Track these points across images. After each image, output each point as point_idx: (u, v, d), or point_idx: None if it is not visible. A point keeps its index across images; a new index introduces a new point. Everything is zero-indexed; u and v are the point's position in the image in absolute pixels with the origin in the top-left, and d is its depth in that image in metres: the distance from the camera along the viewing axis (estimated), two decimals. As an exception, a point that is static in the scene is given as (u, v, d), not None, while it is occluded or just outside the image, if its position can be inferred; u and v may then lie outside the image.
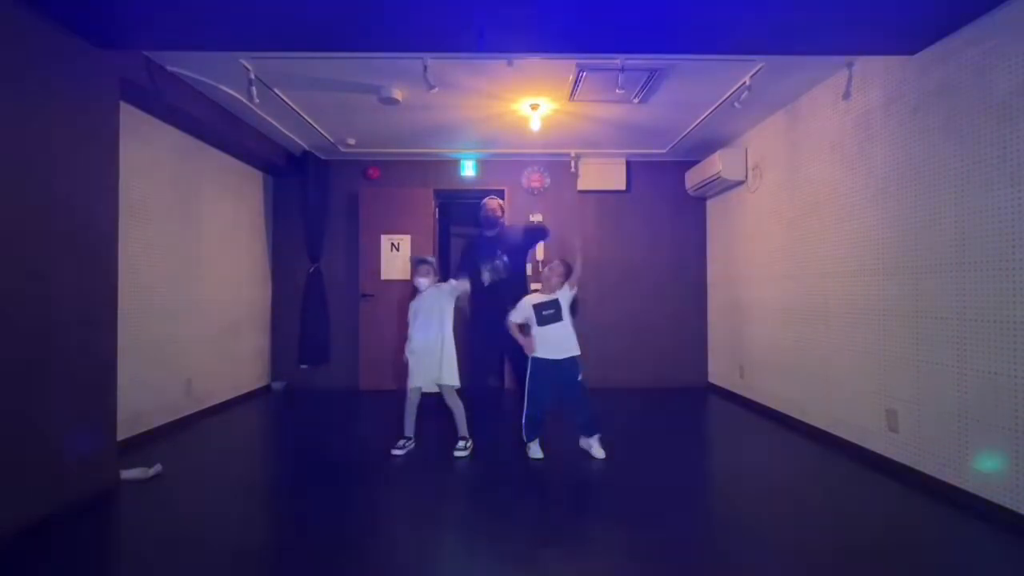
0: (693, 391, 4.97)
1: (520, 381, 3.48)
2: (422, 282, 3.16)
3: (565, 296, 3.04)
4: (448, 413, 3.11)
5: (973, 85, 2.28)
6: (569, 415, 3.09)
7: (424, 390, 3.14)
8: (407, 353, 3.13)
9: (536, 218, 5.15)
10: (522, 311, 3.06)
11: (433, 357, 3.08)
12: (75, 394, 2.37)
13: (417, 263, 3.22)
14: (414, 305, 3.19)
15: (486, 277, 3.57)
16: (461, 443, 3.04)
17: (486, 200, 3.76)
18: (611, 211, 5.20)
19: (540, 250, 5.11)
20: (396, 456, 2.99)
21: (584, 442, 3.06)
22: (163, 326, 3.49)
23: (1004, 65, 2.14)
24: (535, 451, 2.99)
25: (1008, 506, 2.11)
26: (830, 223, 3.24)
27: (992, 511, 2.16)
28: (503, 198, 5.18)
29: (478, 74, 3.20)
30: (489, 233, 3.69)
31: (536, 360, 3.00)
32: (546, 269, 3.12)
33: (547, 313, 3.00)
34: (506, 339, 3.54)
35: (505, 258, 3.60)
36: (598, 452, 2.99)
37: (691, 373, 5.18)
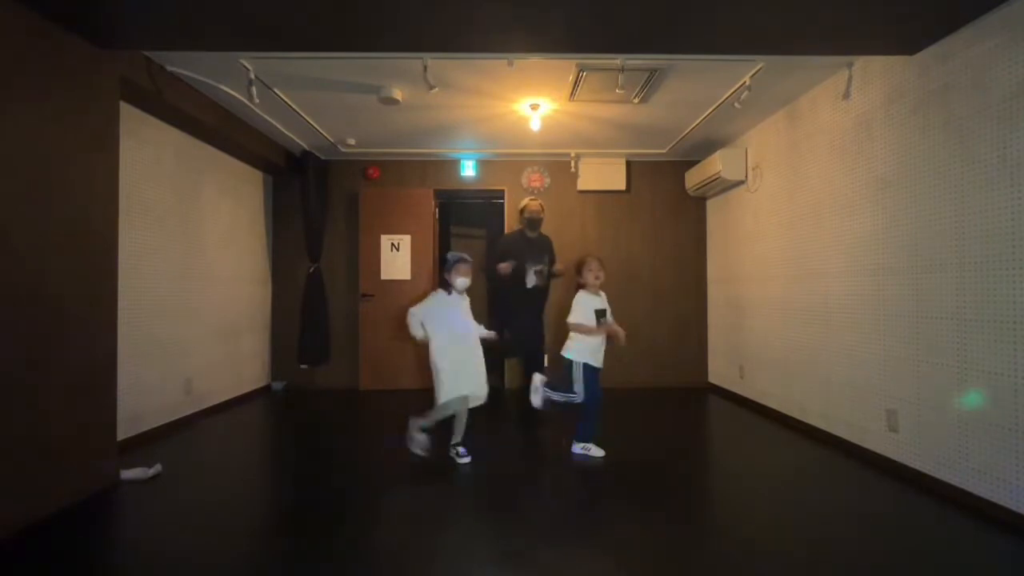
0: (693, 391, 4.97)
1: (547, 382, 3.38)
2: (464, 282, 2.91)
3: (607, 304, 3.07)
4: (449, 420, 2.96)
5: (973, 85, 2.28)
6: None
7: (471, 398, 2.89)
8: (442, 356, 2.83)
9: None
10: (585, 311, 2.99)
11: (475, 365, 2.90)
12: (75, 393, 2.37)
13: (458, 261, 2.92)
14: (448, 308, 2.89)
15: (531, 279, 3.56)
16: (462, 450, 2.94)
17: (529, 201, 3.76)
18: (611, 211, 5.20)
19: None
20: (462, 463, 2.87)
21: (579, 447, 3.06)
22: (163, 326, 3.49)
23: (1004, 65, 2.14)
24: (597, 450, 3.01)
25: (1008, 506, 2.11)
26: (830, 223, 3.24)
27: (992, 511, 2.16)
28: (503, 198, 5.21)
29: (478, 74, 3.20)
30: (531, 235, 3.68)
31: (587, 366, 2.98)
32: (592, 268, 3.02)
33: (603, 321, 2.99)
34: (532, 340, 3.56)
35: (546, 266, 3.61)
36: (597, 452, 3.01)
37: (691, 373, 5.18)
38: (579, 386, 2.98)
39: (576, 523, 2.19)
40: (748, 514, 2.27)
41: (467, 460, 2.90)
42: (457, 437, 2.98)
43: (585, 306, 3.01)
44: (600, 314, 3.01)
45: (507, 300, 3.62)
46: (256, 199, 4.85)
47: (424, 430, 2.89)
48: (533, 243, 3.65)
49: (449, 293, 2.92)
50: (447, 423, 2.98)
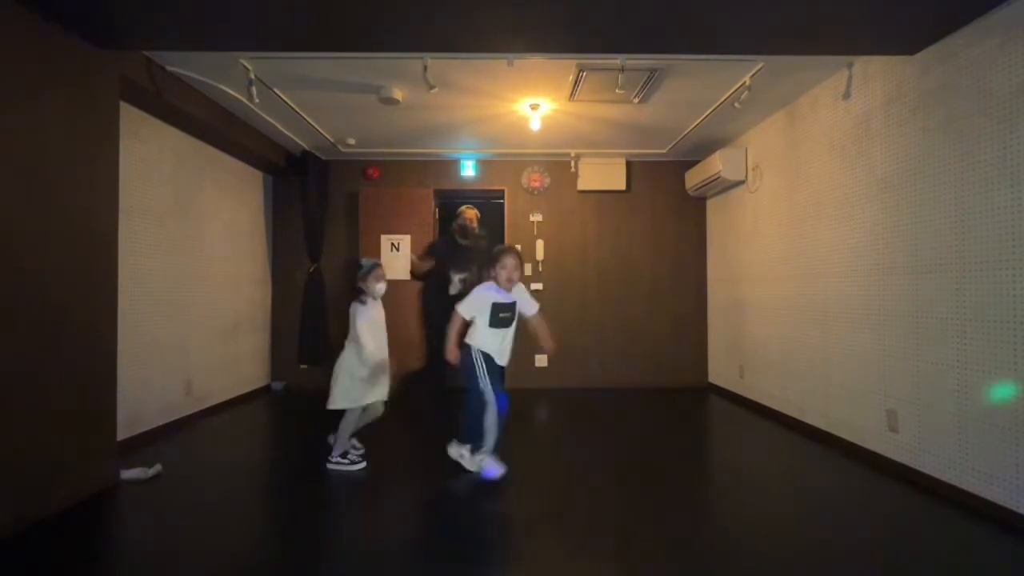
0: (693, 391, 4.97)
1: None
2: (383, 287, 2.85)
3: (522, 297, 2.66)
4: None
5: (973, 85, 2.28)
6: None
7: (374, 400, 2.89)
8: (364, 367, 2.80)
9: (535, 218, 5.15)
10: (476, 306, 2.60)
11: (384, 372, 2.86)
12: (75, 394, 2.37)
13: (374, 267, 2.85)
14: (371, 315, 2.83)
15: (455, 287, 3.54)
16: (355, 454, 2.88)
17: (464, 209, 3.75)
18: (611, 211, 5.20)
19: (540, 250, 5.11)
20: (356, 471, 2.78)
21: (455, 450, 2.76)
22: (163, 326, 3.49)
23: (1004, 65, 2.14)
24: (494, 466, 2.58)
25: (1008, 506, 2.11)
26: (830, 223, 3.24)
27: (992, 511, 2.16)
28: (503, 198, 5.21)
29: (478, 74, 3.20)
30: (463, 242, 3.67)
31: (487, 355, 2.59)
32: (506, 266, 2.57)
33: (504, 316, 2.59)
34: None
35: (472, 275, 3.58)
36: (470, 464, 2.66)
37: (691, 373, 5.18)
38: (483, 381, 2.53)
39: (576, 523, 2.19)
40: (748, 515, 2.26)
41: (362, 466, 2.81)
42: (342, 447, 2.86)
43: (479, 300, 2.56)
44: (501, 309, 2.55)
45: (431, 307, 3.62)
46: (256, 199, 4.85)
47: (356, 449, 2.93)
48: (461, 250, 3.61)
49: (364, 303, 2.83)
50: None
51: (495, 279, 2.59)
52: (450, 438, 2.87)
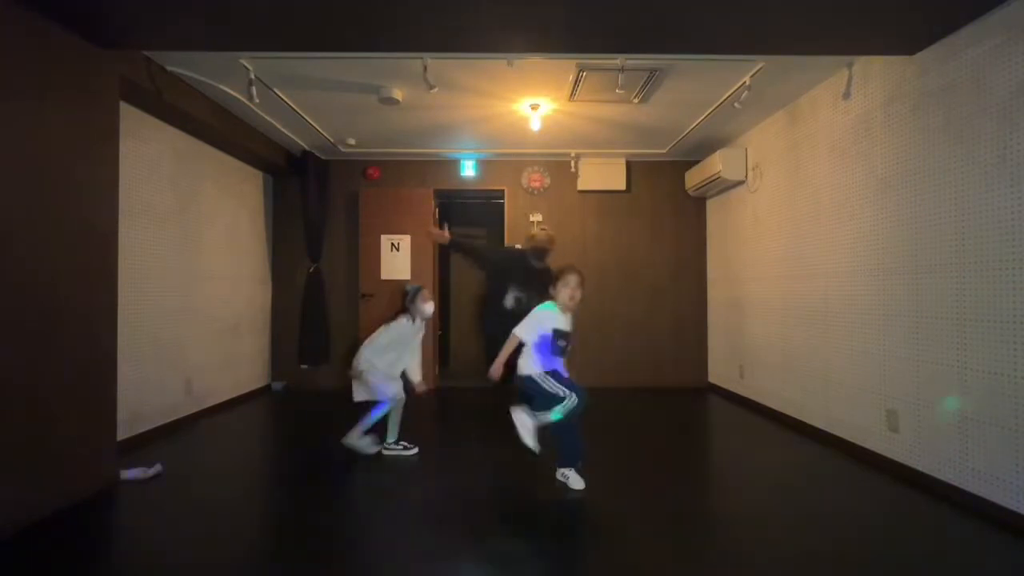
0: (693, 391, 4.97)
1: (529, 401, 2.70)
2: (430, 307, 3.13)
3: (572, 327, 2.57)
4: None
5: (973, 85, 2.28)
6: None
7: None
8: (385, 375, 3.05)
9: (536, 218, 5.15)
10: (538, 328, 2.47)
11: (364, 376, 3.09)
12: (75, 393, 2.37)
13: (419, 290, 3.12)
14: (412, 330, 3.12)
15: (509, 301, 3.45)
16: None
17: (539, 234, 3.56)
18: (611, 211, 5.20)
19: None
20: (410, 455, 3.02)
21: (561, 473, 2.59)
22: (163, 326, 3.49)
23: (1004, 65, 2.14)
24: (577, 480, 2.51)
25: (1008, 506, 2.11)
26: (830, 223, 3.24)
27: (992, 511, 2.16)
28: (503, 198, 5.21)
29: (478, 74, 3.20)
30: (534, 263, 3.51)
31: (555, 372, 2.48)
32: (570, 284, 2.47)
33: (563, 345, 2.46)
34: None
35: (530, 296, 3.39)
36: (577, 483, 2.51)
37: (691, 373, 5.18)
38: (561, 389, 2.41)
39: (576, 520, 2.19)
40: (747, 515, 2.26)
41: (415, 451, 3.06)
42: (394, 435, 3.10)
43: (541, 323, 2.43)
44: (561, 337, 2.46)
45: (489, 314, 3.59)
46: (256, 199, 4.85)
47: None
48: (530, 271, 3.48)
49: (413, 321, 3.10)
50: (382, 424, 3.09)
51: (555, 298, 2.49)
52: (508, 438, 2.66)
